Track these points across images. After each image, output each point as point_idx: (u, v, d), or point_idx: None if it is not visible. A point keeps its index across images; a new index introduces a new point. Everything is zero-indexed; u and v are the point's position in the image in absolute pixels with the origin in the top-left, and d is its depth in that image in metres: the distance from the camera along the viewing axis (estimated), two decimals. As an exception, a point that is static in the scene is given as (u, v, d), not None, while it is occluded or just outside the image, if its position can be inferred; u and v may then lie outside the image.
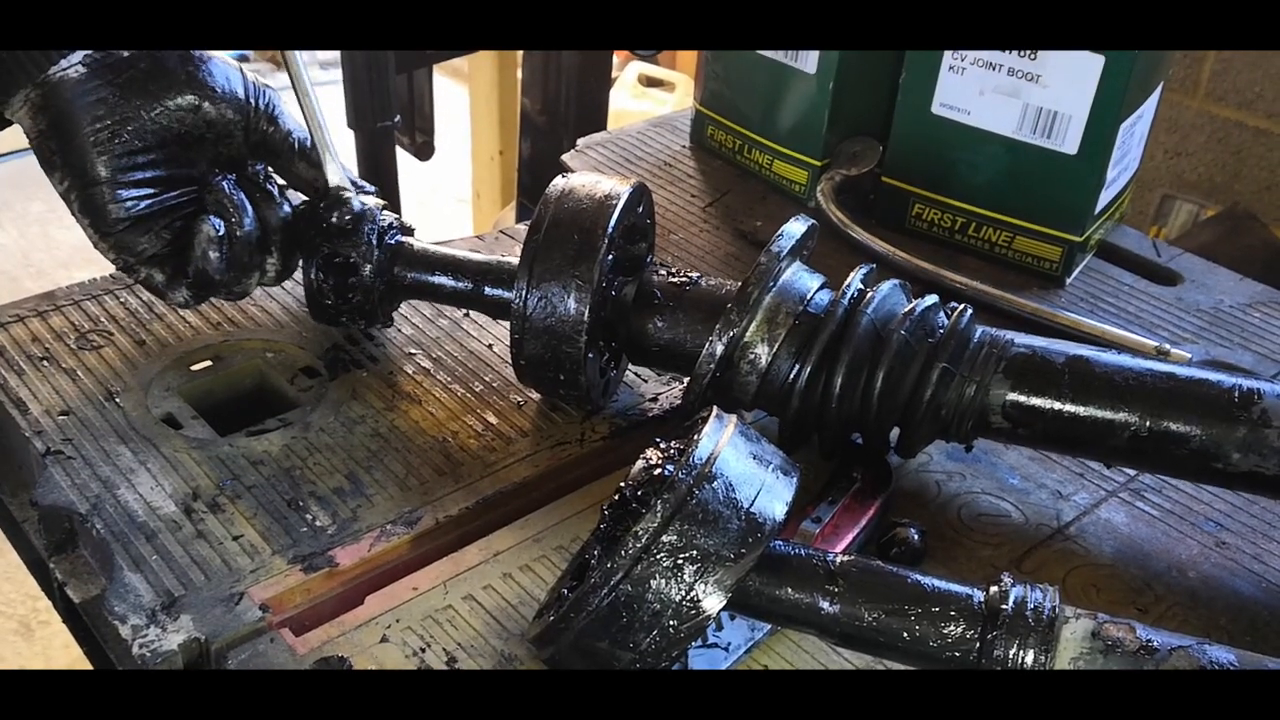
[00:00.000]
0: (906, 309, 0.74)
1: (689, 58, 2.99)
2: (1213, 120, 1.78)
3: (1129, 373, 0.72)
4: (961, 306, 0.75)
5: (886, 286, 0.75)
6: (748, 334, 0.74)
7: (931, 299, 0.75)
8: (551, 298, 0.74)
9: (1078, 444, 0.74)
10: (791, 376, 0.74)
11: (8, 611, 2.05)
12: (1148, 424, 0.71)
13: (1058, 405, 0.72)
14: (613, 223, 0.75)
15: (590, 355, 0.76)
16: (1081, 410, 0.72)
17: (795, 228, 0.77)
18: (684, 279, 0.79)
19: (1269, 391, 0.71)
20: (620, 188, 0.77)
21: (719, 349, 0.73)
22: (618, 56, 2.87)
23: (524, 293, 0.75)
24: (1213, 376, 0.72)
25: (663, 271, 0.80)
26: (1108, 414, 0.72)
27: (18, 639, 2.01)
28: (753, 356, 0.74)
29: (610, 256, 0.76)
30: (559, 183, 0.78)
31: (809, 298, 0.75)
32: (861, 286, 0.75)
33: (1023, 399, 0.73)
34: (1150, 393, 0.71)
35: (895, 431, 0.76)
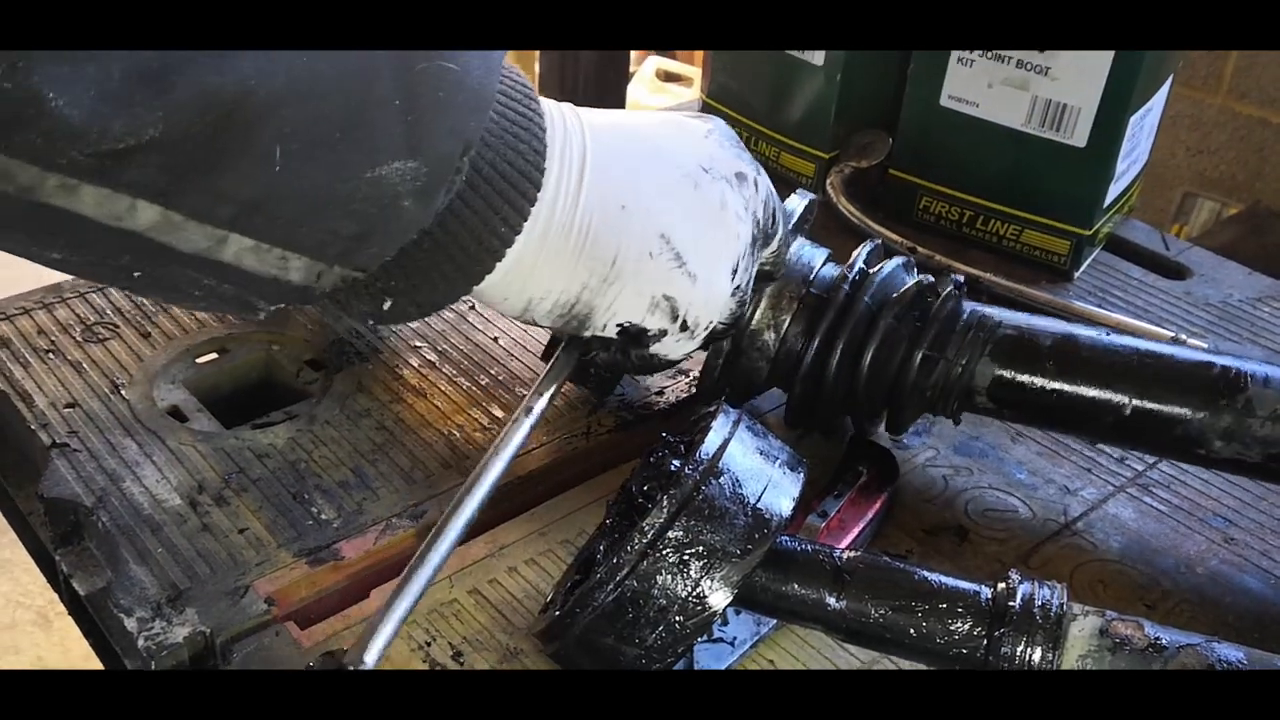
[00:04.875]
0: (898, 294, 0.74)
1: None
2: (1235, 118, 1.77)
3: (1115, 355, 0.72)
4: (947, 291, 0.75)
5: (889, 267, 0.75)
6: (754, 321, 0.74)
7: (926, 279, 0.75)
8: None
9: (1062, 424, 0.75)
10: (798, 360, 0.74)
11: (26, 603, 2.06)
12: (1130, 410, 0.71)
13: (1040, 389, 0.73)
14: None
15: None
16: (1065, 392, 0.72)
17: (793, 204, 0.76)
18: None
19: (1257, 378, 0.70)
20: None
21: (725, 344, 0.73)
22: (635, 51, 2.86)
23: None
24: (1201, 360, 0.72)
25: None
26: (1091, 397, 0.72)
27: (36, 629, 2.02)
28: (760, 344, 0.74)
29: None
30: None
31: (811, 278, 0.74)
32: (864, 267, 0.75)
33: (1007, 381, 0.73)
34: (1135, 378, 0.71)
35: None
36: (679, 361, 0.69)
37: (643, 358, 0.67)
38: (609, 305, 0.63)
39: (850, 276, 0.74)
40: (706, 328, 0.66)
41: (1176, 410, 0.70)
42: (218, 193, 0.48)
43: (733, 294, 0.66)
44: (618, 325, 0.64)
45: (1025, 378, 0.73)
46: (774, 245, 0.70)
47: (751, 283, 0.69)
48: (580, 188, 0.60)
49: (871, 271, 0.75)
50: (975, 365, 0.73)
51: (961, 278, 0.76)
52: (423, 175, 0.52)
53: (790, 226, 0.74)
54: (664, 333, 0.65)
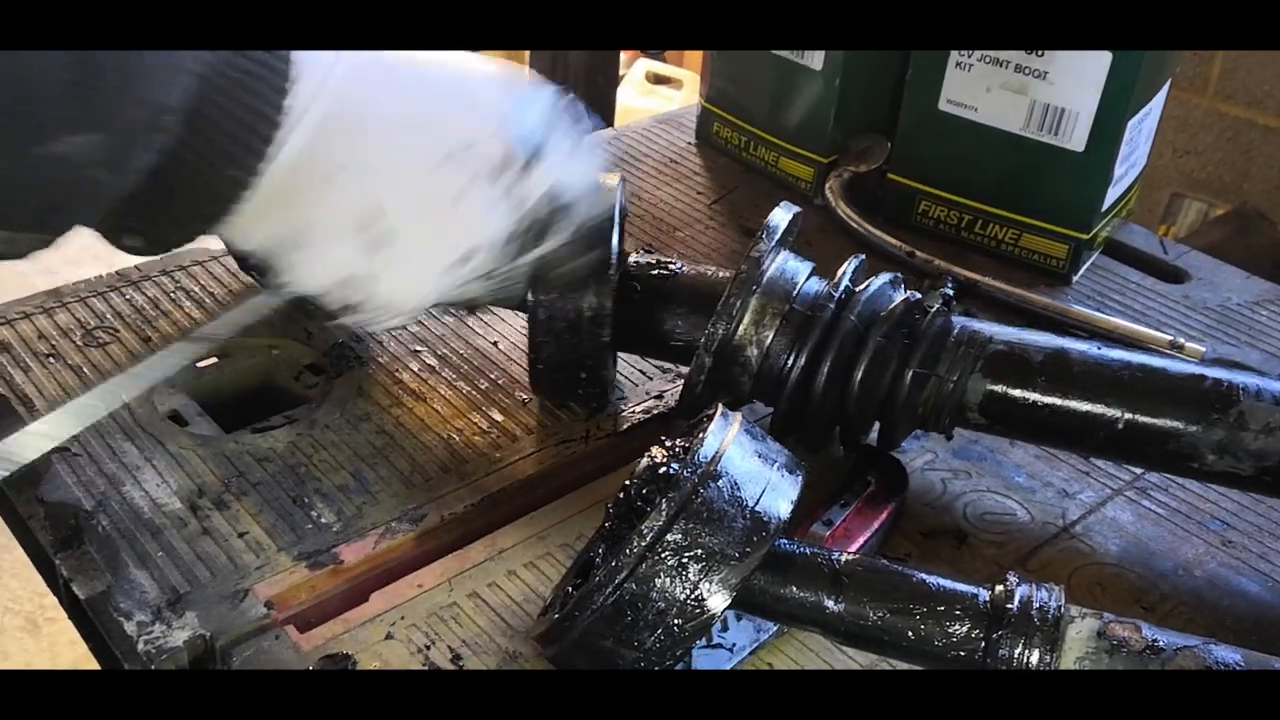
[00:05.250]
0: (886, 311, 0.73)
1: (697, 55, 2.98)
2: (1222, 119, 1.77)
3: (1107, 370, 0.72)
4: (936, 308, 0.75)
5: (876, 284, 0.75)
6: (736, 337, 0.73)
7: (913, 296, 0.75)
8: (569, 294, 0.74)
9: (1054, 439, 0.75)
10: (781, 375, 0.73)
11: (15, 608, 2.05)
12: (1121, 425, 0.71)
13: (1032, 405, 0.73)
14: (617, 209, 0.75)
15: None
16: (1056, 409, 0.72)
17: (778, 218, 0.76)
18: (662, 270, 0.79)
19: (1249, 391, 0.70)
20: (609, 179, 0.76)
21: (707, 361, 0.73)
22: (625, 54, 2.86)
23: (540, 295, 0.74)
24: (1194, 373, 0.72)
25: (642, 261, 0.80)
26: (1083, 413, 0.72)
27: (24, 635, 2.02)
28: (743, 359, 0.74)
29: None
30: None
31: (794, 294, 0.74)
32: (850, 285, 0.75)
33: (998, 397, 0.73)
34: (1127, 393, 0.71)
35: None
36: (398, 325, 0.66)
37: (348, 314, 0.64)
38: (292, 268, 0.61)
39: (836, 295, 0.74)
40: (408, 311, 0.64)
41: (1170, 424, 0.70)
42: None
43: (473, 278, 0.64)
44: (303, 290, 0.63)
45: (1017, 393, 0.72)
46: (555, 241, 0.67)
47: (521, 270, 0.67)
48: (304, 145, 0.57)
49: (858, 289, 0.74)
50: (967, 381, 0.73)
51: (951, 290, 0.76)
52: (109, 146, 0.51)
53: (775, 240, 0.74)
54: (351, 308, 0.63)
